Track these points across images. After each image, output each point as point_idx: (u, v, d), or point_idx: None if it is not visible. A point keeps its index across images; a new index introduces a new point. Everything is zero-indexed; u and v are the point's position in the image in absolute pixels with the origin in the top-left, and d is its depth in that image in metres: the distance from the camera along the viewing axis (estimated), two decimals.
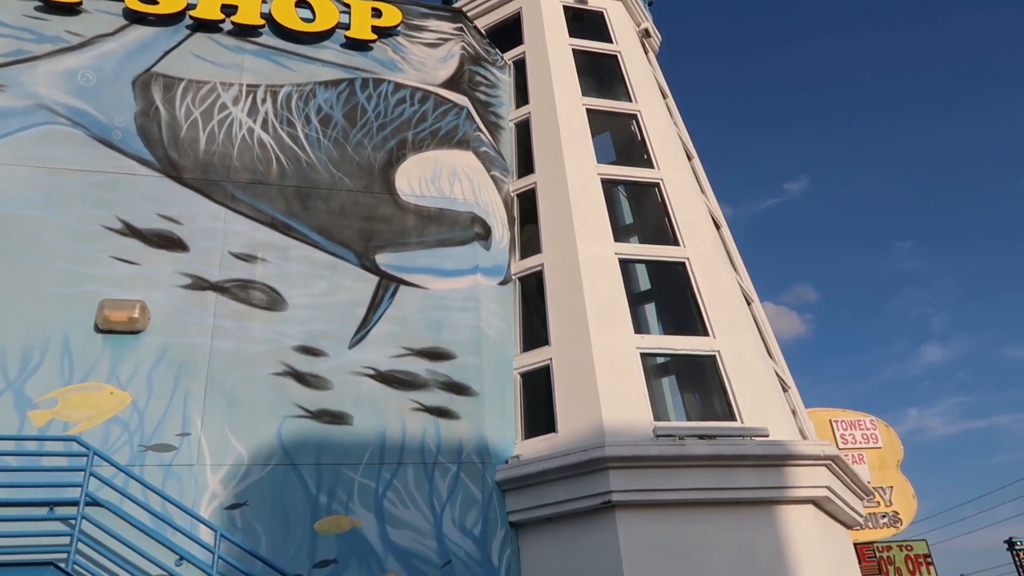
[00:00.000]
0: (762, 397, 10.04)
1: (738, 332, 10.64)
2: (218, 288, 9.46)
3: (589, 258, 10.85)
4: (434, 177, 11.06)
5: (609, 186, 12.72)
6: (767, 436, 9.50)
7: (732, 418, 9.84)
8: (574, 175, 11.79)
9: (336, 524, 8.48)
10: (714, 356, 10.37)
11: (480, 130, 12.01)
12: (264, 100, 10.99)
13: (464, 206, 10.98)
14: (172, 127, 10.39)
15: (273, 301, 9.58)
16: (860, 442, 21.96)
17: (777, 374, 11.33)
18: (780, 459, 9.15)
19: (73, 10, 10.85)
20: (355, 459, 8.86)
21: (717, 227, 13.46)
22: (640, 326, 10.80)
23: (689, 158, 14.28)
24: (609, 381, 9.66)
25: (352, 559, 8.33)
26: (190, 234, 9.69)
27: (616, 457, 8.67)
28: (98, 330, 8.82)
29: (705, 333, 10.59)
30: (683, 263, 11.31)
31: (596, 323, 10.18)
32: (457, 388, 9.60)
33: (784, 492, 9.15)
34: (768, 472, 9.13)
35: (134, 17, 11.07)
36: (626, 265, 11.35)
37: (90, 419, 8.37)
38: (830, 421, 22.22)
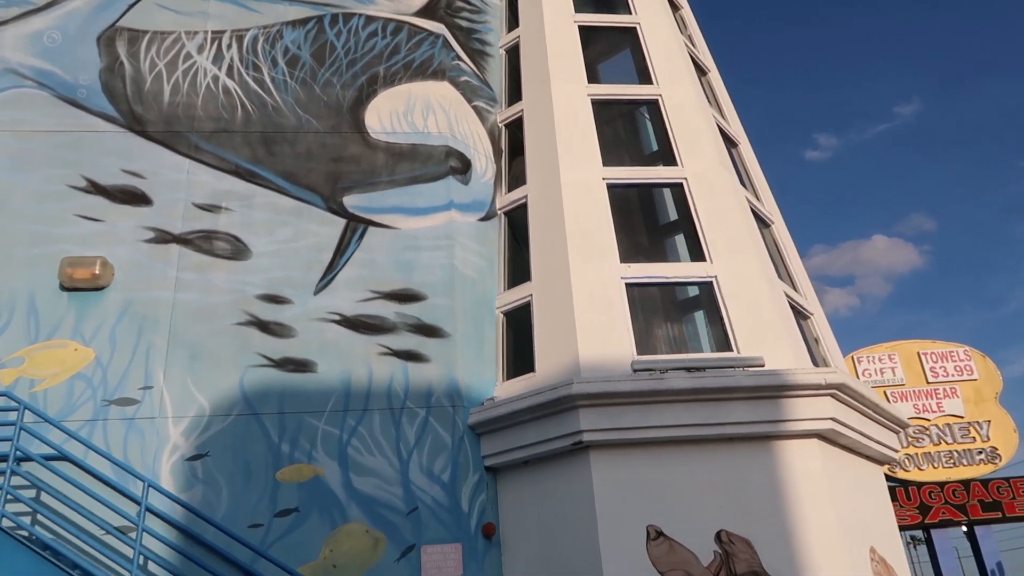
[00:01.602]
0: (763, 324, 9.09)
1: (739, 254, 9.66)
2: (181, 240, 9.30)
3: (572, 185, 10.06)
4: (407, 111, 10.47)
5: (624, 108, 11.83)
6: (762, 366, 8.59)
7: (728, 348, 8.97)
8: (560, 98, 10.93)
9: (298, 473, 8.27)
10: (711, 282, 9.46)
11: (460, 58, 11.29)
12: (230, 46, 10.65)
13: (439, 139, 10.36)
14: (136, 81, 10.22)
15: (237, 250, 9.34)
16: (953, 375, 20.17)
17: (793, 300, 10.28)
18: (774, 390, 8.26)
19: None
20: (319, 407, 8.59)
21: (734, 145, 12.31)
22: (634, 254, 9.96)
23: (704, 72, 13.07)
24: (588, 314, 8.96)
25: (314, 508, 8.12)
26: (153, 188, 9.55)
27: (585, 394, 8.02)
28: (63, 288, 8.84)
29: (701, 258, 9.67)
30: (680, 183, 10.35)
31: (577, 254, 9.45)
32: (427, 330, 9.14)
33: (781, 426, 8.28)
34: (761, 405, 8.27)
35: None
36: (626, 191, 10.52)
37: (55, 376, 8.43)
38: (918, 354, 20.48)
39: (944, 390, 19.74)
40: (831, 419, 8.36)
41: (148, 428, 8.32)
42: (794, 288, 10.99)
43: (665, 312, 9.96)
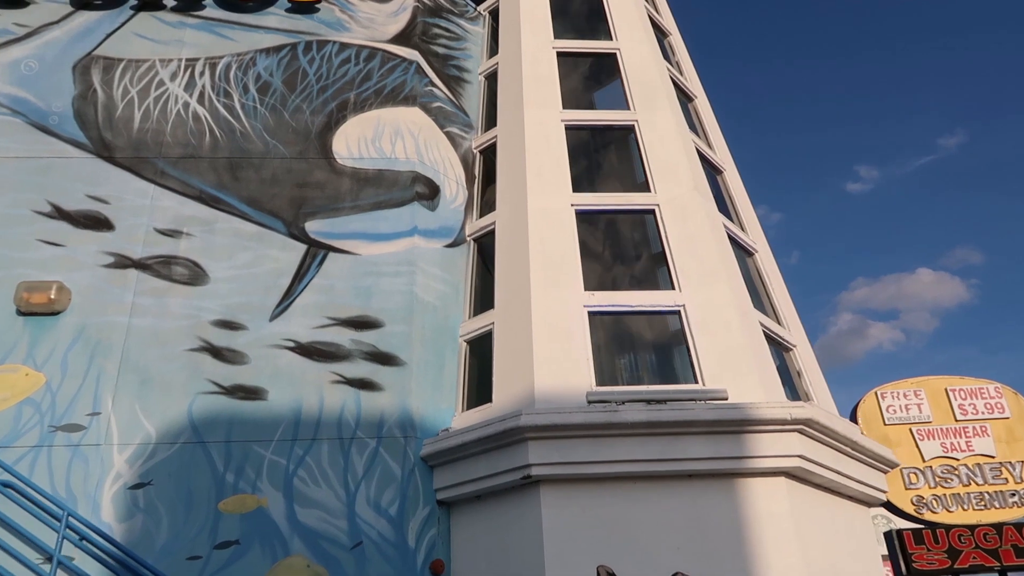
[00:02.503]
0: (732, 356, 8.71)
1: (710, 283, 9.32)
2: (140, 265, 9.25)
3: (539, 212, 9.85)
4: (375, 137, 10.39)
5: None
6: (725, 399, 8.20)
7: (693, 380, 8.60)
8: (533, 124, 10.78)
9: (241, 504, 8.04)
10: (678, 311, 9.12)
11: (434, 84, 11.22)
12: (202, 73, 10.71)
13: (406, 165, 10.24)
14: (108, 108, 10.30)
15: (195, 276, 9.26)
16: (983, 412, 19.22)
17: (770, 331, 9.89)
18: (736, 424, 7.86)
19: (21, 3, 10.98)
20: (267, 436, 8.39)
21: (718, 172, 12.03)
22: (603, 282, 9.66)
23: (691, 99, 12.85)
24: (547, 343, 8.68)
25: (255, 540, 7.87)
26: (117, 213, 9.54)
27: (534, 426, 7.71)
28: (19, 313, 8.81)
29: (670, 286, 9.35)
30: (653, 210, 10.07)
31: (540, 282, 9.20)
32: (383, 358, 8.92)
33: (744, 463, 7.87)
34: (722, 440, 7.87)
35: (80, 3, 11.08)
36: (596, 218, 10.28)
37: (4, 401, 8.35)
38: (946, 390, 19.60)
39: (974, 428, 18.83)
40: (798, 456, 7.91)
41: (93, 455, 8.18)
42: (776, 319, 10.60)
43: (631, 343, 9.62)
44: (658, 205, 10.03)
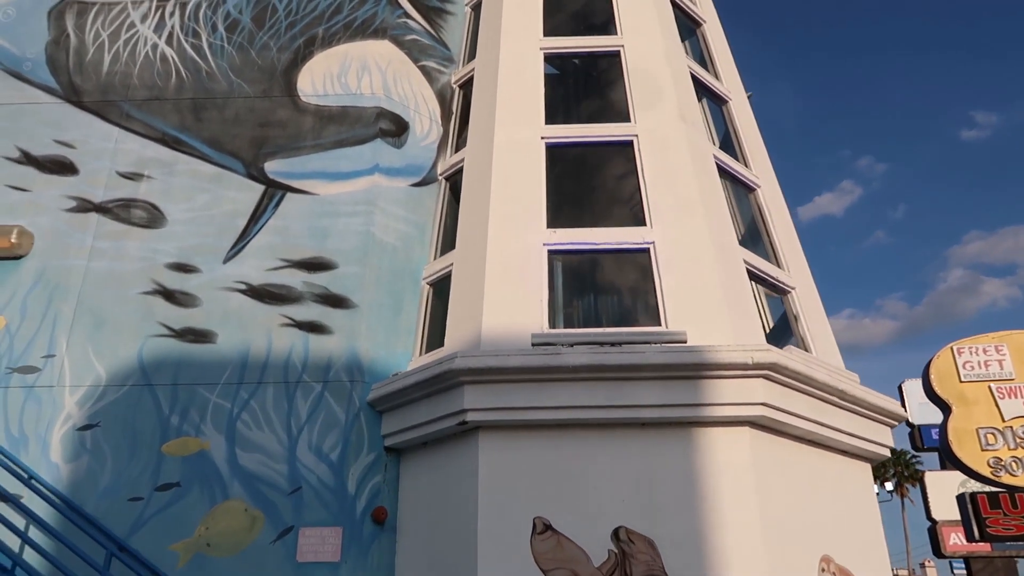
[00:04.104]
0: (700, 297, 7.95)
1: (685, 218, 8.52)
2: (101, 209, 9.20)
3: (505, 145, 9.22)
4: (341, 73, 9.94)
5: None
6: (684, 342, 7.49)
7: (656, 323, 7.90)
8: (508, 52, 10.08)
9: (183, 446, 7.95)
10: (647, 249, 8.39)
11: (408, 16, 10.63)
12: (172, 14, 10.48)
13: (371, 101, 9.75)
14: (79, 52, 10.23)
15: (153, 218, 9.14)
16: None
17: (758, 270, 9.02)
18: (689, 369, 7.15)
19: None
20: (213, 379, 8.23)
21: (723, 102, 11.04)
22: (570, 220, 8.98)
23: (697, 24, 11.80)
24: (499, 285, 8.14)
25: (195, 483, 7.77)
26: (81, 157, 9.50)
27: (468, 369, 7.24)
28: None
29: (640, 222, 8.60)
30: (631, 141, 9.27)
31: (498, 219, 8.63)
32: (334, 300, 8.59)
33: (700, 411, 7.17)
34: (676, 386, 7.19)
35: None
36: (569, 152, 9.57)
37: None
38: None
39: None
40: (762, 404, 7.15)
41: (46, 396, 8.24)
42: (775, 260, 9.69)
43: (595, 284, 8.95)
44: (636, 136, 9.21)
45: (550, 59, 10.17)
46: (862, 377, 8.90)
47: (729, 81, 11.50)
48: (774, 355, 7.17)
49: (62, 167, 9.46)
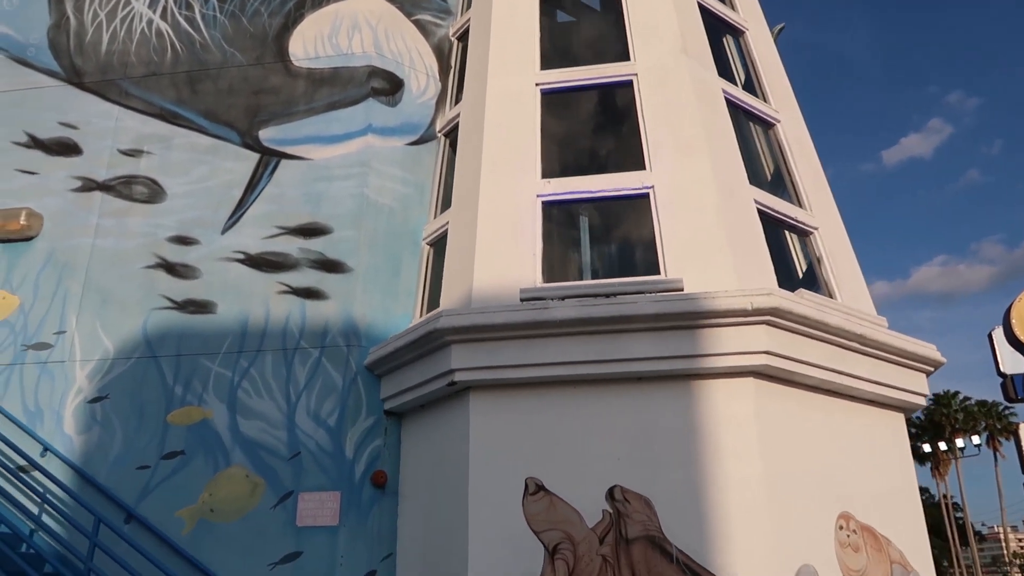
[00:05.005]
0: (702, 241, 7.50)
1: (687, 158, 8.03)
2: (104, 187, 9.31)
3: (498, 94, 8.86)
4: (331, 33, 9.71)
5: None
6: (680, 290, 7.07)
7: (656, 272, 7.49)
8: None
9: (187, 415, 8.05)
10: (647, 194, 7.94)
11: None
12: None
13: (362, 60, 9.50)
14: (79, 34, 10.30)
15: (153, 193, 9.20)
16: None
17: (774, 210, 8.47)
18: (684, 318, 6.76)
19: None
20: (214, 348, 8.28)
21: (737, 33, 10.35)
22: (566, 170, 8.58)
23: None
24: (491, 240, 7.87)
25: (199, 451, 7.87)
26: (84, 137, 9.61)
27: (453, 328, 7.03)
28: None
29: (639, 166, 8.14)
30: (631, 81, 8.76)
31: (490, 172, 8.32)
32: (329, 265, 8.49)
33: (698, 362, 6.78)
34: (670, 337, 6.81)
35: None
36: (565, 98, 9.14)
37: None
38: None
39: None
40: (765, 352, 6.71)
41: (58, 372, 8.46)
42: (797, 199, 9.09)
43: (592, 235, 8.55)
44: (636, 75, 8.69)
45: (546, 1, 9.66)
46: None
47: (747, 11, 10.74)
48: (776, 299, 6.69)
49: (67, 148, 9.60)
